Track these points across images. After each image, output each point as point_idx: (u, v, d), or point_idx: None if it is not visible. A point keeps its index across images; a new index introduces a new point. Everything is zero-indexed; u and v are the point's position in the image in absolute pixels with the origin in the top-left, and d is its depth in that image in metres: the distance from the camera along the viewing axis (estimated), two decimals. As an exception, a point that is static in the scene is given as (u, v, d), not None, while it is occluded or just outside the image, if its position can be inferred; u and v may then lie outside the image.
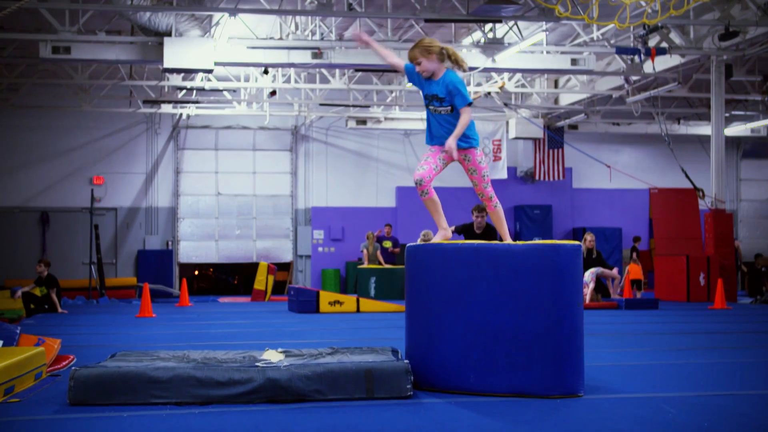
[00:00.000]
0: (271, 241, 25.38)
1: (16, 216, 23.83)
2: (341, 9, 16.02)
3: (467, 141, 6.51)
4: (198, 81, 21.29)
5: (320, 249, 25.40)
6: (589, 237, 16.83)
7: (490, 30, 17.46)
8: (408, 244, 6.43)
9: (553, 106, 24.22)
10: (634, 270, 19.80)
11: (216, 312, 15.96)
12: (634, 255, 21.61)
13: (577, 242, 6.00)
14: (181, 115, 24.24)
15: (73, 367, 5.67)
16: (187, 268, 25.36)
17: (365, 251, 21.03)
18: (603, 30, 18.06)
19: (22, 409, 5.36)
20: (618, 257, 25.86)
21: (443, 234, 6.52)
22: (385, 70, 20.05)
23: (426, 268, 6.10)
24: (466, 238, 11.39)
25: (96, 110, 23.32)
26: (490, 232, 11.81)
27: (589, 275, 16.04)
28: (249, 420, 5.02)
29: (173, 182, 24.75)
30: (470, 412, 5.25)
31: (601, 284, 16.91)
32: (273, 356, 6.36)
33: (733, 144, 27.70)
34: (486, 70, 18.41)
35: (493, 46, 17.40)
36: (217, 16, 16.56)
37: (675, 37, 17.72)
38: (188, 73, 19.25)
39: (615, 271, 17.38)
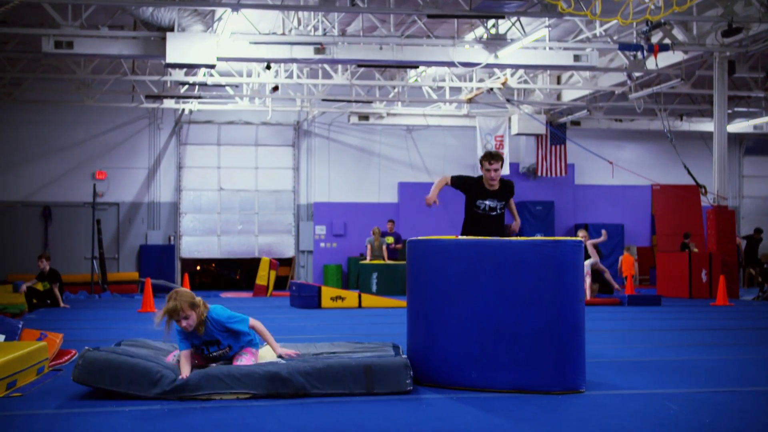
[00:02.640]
0: (273, 236, 25.38)
1: (18, 211, 23.84)
2: (344, 4, 16.01)
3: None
4: (200, 76, 21.29)
5: (322, 244, 25.40)
6: (581, 233, 16.79)
7: (493, 26, 17.44)
8: (409, 239, 6.42)
9: (556, 102, 24.20)
10: (627, 261, 19.79)
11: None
12: (690, 249, 21.38)
13: (578, 238, 6.00)
14: (183, 110, 24.24)
15: (85, 347, 5.69)
16: (189, 263, 25.37)
17: (369, 246, 21.02)
18: (606, 26, 18.04)
19: (24, 403, 5.36)
20: (619, 254, 25.81)
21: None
22: (388, 66, 20.01)
23: (427, 263, 6.09)
24: (473, 198, 8.38)
25: (98, 105, 23.32)
26: (507, 190, 8.48)
27: (586, 267, 16.04)
28: (250, 415, 5.03)
29: (175, 177, 24.74)
30: (471, 408, 5.26)
31: (601, 279, 16.90)
32: (270, 353, 6.34)
33: (736, 140, 27.67)
34: (488, 66, 18.39)
35: (496, 42, 17.38)
36: (219, 11, 16.56)
37: (678, 33, 17.70)
38: (191, 68, 19.28)
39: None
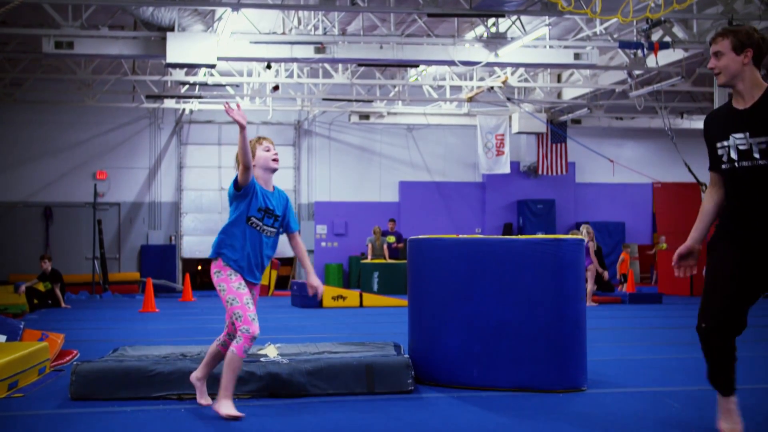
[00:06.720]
0: (275, 236, 25.37)
1: (19, 211, 23.84)
2: (344, 3, 15.99)
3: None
4: (201, 76, 21.27)
5: (323, 244, 25.40)
6: (584, 229, 16.61)
7: (493, 24, 17.42)
8: (410, 238, 6.41)
9: (556, 100, 24.18)
10: (626, 259, 19.79)
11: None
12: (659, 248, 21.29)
13: (579, 236, 6.00)
14: (183, 110, 24.23)
15: (75, 362, 5.68)
16: (190, 263, 25.36)
17: (370, 245, 21.03)
18: (606, 24, 18.01)
19: (25, 404, 5.36)
20: (620, 252, 25.80)
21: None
22: (388, 65, 20.01)
23: (429, 262, 6.09)
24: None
25: (99, 105, 23.31)
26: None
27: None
28: (252, 415, 5.02)
29: (176, 177, 24.74)
30: (473, 407, 5.25)
31: (601, 279, 16.86)
32: (272, 352, 6.36)
33: (737, 138, 27.64)
34: (489, 64, 18.37)
35: (496, 40, 17.37)
36: (219, 10, 16.54)
37: (678, 31, 17.68)
38: (191, 68, 19.26)
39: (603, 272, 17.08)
